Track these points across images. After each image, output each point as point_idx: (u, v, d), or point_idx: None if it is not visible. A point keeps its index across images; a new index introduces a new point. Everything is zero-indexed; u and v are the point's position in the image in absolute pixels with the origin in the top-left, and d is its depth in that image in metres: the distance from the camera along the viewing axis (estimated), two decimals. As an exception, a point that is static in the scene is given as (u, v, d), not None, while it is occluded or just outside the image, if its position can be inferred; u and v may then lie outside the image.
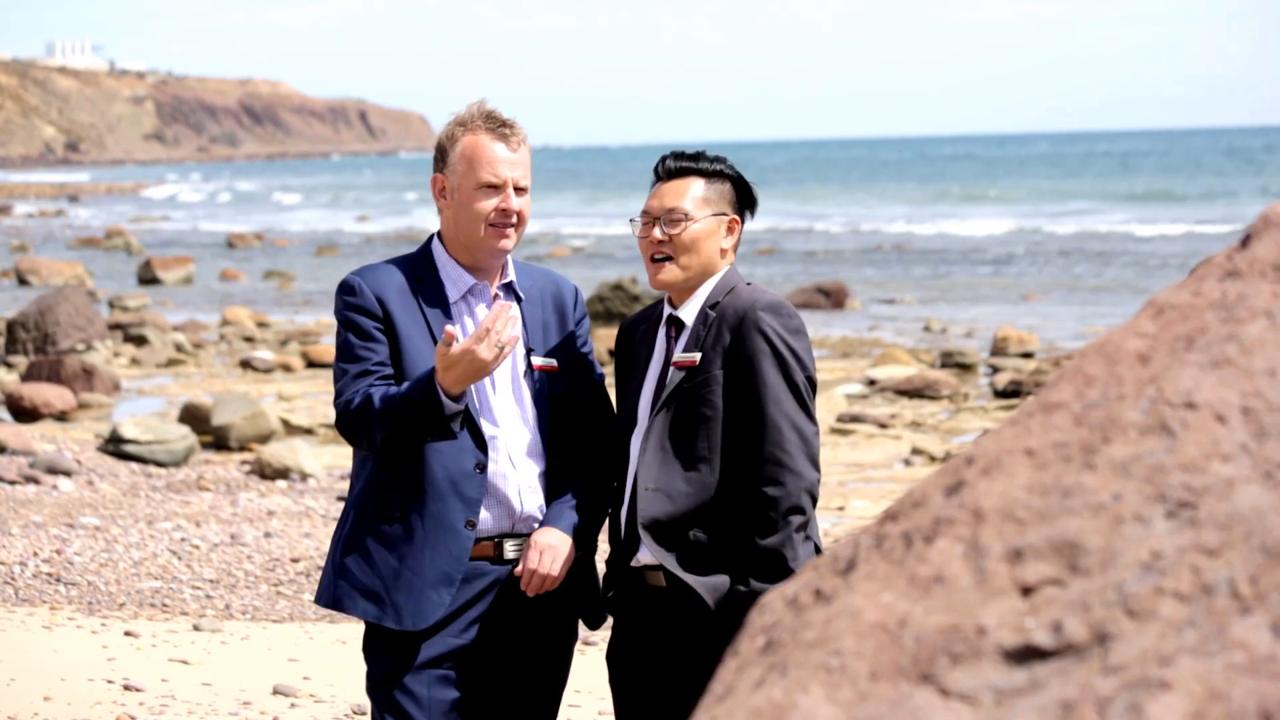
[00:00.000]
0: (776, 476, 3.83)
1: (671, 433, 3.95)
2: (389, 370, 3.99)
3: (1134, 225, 45.39)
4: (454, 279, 4.09)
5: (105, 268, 35.38)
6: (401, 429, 3.88)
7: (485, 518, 4.01)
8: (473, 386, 3.98)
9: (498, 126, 4.05)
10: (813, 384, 3.95)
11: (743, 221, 4.10)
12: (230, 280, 32.49)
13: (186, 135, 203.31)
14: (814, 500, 3.89)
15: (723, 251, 4.03)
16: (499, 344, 3.80)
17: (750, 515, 3.85)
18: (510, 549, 4.03)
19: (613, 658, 4.09)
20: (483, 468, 3.98)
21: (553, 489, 4.09)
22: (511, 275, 4.15)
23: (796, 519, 3.84)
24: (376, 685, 4.02)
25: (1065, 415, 1.99)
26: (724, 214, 4.04)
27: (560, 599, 4.09)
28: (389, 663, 3.99)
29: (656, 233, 4.00)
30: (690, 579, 3.88)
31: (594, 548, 4.12)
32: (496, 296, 4.11)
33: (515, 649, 4.06)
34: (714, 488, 3.90)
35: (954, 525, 1.90)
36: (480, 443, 3.99)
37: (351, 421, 3.93)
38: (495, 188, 4.03)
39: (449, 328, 3.81)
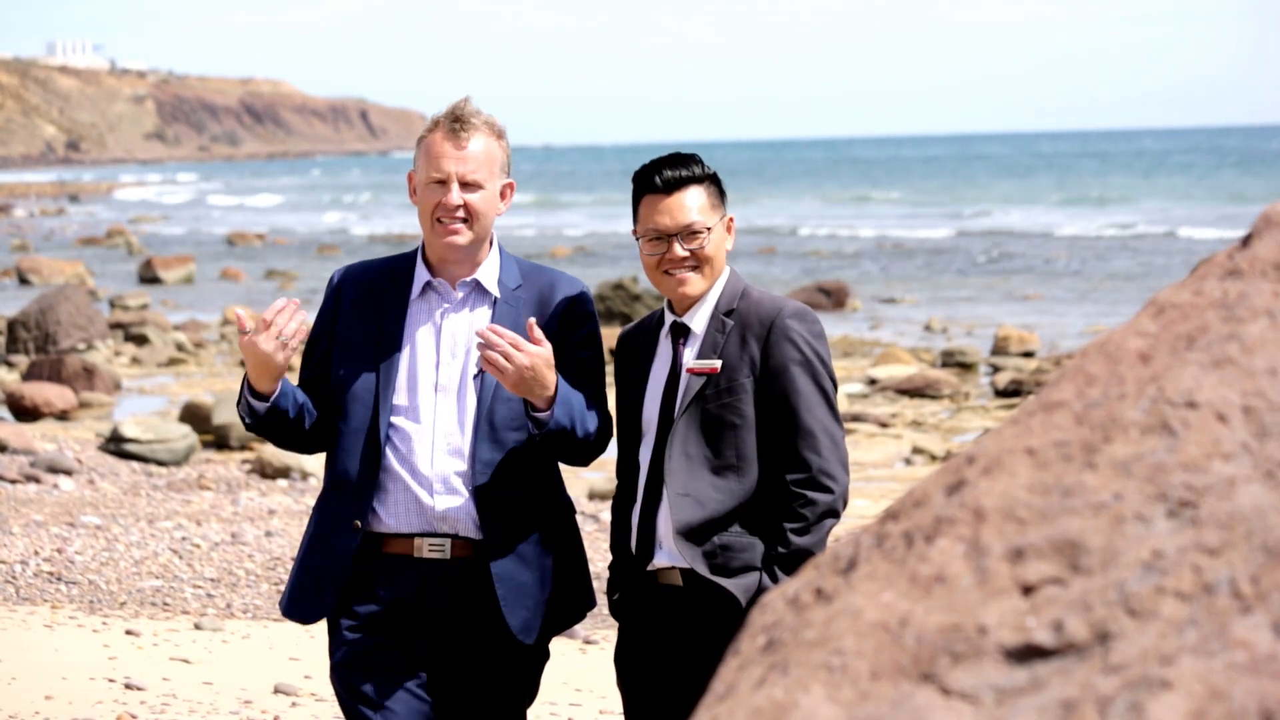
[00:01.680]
0: (815, 481, 3.91)
1: (695, 440, 3.97)
2: (317, 375, 4.15)
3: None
4: (418, 276, 4.12)
5: (106, 267, 35.38)
6: (248, 424, 4.10)
7: (394, 515, 4.02)
8: (404, 384, 4.04)
9: (451, 122, 4.06)
10: (835, 387, 4.01)
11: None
12: (231, 279, 32.49)
13: (187, 134, 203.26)
14: (845, 503, 3.97)
15: (728, 251, 4.07)
16: (279, 337, 3.90)
17: (785, 518, 3.91)
18: (427, 548, 4.02)
19: (621, 659, 4.10)
20: (375, 470, 4.02)
21: (502, 490, 4.04)
22: (482, 273, 4.11)
23: (830, 522, 3.93)
24: (330, 676, 4.12)
25: (1066, 414, 1.99)
26: (724, 215, 4.07)
27: (497, 610, 4.04)
28: (334, 654, 4.09)
29: (678, 249, 3.98)
30: (723, 582, 3.91)
31: (562, 425, 3.96)
32: (469, 297, 4.10)
33: (460, 646, 4.05)
34: (742, 494, 3.94)
35: (955, 524, 1.90)
36: (374, 445, 4.03)
37: None
38: (441, 183, 4.04)
39: (238, 312, 4.09)
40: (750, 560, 3.93)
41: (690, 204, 3.99)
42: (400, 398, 4.05)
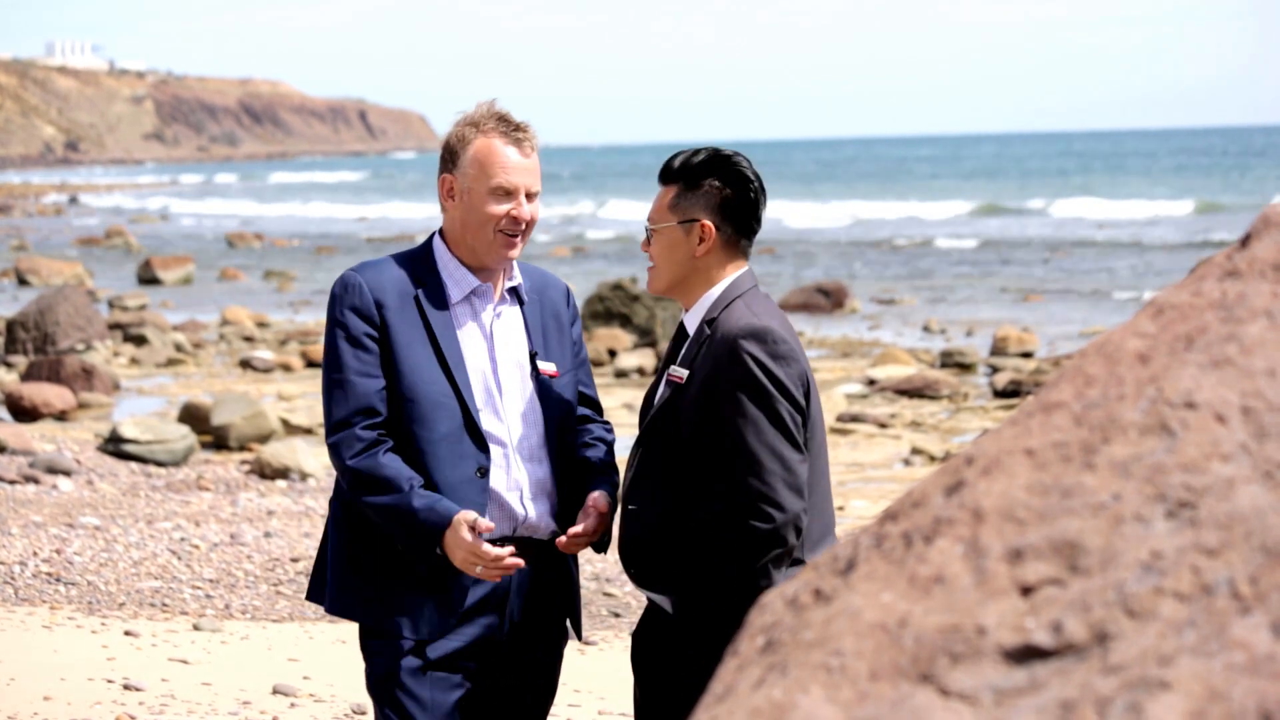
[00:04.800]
0: (759, 509, 3.70)
1: (652, 451, 3.87)
2: (382, 395, 3.92)
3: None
4: (456, 280, 4.02)
5: (105, 267, 35.37)
6: (388, 528, 3.90)
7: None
8: (479, 391, 3.99)
9: (511, 130, 3.99)
10: (800, 411, 3.79)
11: (736, 225, 3.90)
12: (230, 280, 32.49)
13: (186, 135, 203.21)
14: (798, 531, 3.74)
15: (696, 257, 3.88)
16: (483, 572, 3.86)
17: (727, 543, 3.74)
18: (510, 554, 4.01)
19: (634, 637, 4.07)
20: (484, 472, 3.94)
21: (564, 491, 4.08)
22: (518, 278, 4.10)
23: (774, 550, 3.72)
24: (378, 685, 3.98)
25: (1065, 415, 1.99)
26: (693, 220, 3.88)
27: (553, 601, 4.10)
28: (389, 663, 3.95)
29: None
30: (653, 596, 3.85)
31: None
32: (503, 299, 4.09)
33: (515, 651, 4.05)
34: (685, 511, 3.81)
35: (954, 525, 1.90)
36: (483, 447, 3.94)
37: (350, 481, 3.90)
38: (508, 193, 3.97)
39: (485, 522, 3.83)
40: (683, 576, 3.80)
41: (658, 199, 3.95)
42: (479, 404, 3.98)
